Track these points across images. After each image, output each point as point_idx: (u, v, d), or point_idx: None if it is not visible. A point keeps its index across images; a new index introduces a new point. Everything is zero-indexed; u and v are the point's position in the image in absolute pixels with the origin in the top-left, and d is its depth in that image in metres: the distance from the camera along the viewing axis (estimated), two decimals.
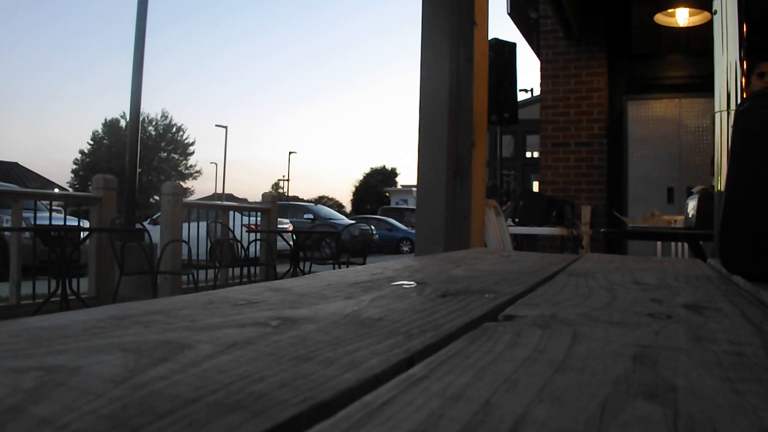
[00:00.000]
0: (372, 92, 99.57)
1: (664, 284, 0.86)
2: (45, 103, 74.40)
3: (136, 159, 7.25)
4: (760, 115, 0.88)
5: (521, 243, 5.69)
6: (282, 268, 7.72)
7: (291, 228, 10.31)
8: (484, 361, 0.37)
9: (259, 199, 8.27)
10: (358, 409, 0.27)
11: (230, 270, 7.06)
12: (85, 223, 6.08)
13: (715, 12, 2.08)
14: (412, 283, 0.77)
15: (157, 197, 32.85)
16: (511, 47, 5.66)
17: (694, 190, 3.84)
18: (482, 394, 0.30)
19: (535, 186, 11.66)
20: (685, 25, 6.02)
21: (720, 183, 2.03)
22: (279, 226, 8.67)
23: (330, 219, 18.67)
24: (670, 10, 5.98)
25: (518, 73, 5.64)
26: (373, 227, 11.05)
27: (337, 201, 55.08)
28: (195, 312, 0.51)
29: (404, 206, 29.53)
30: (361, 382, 0.32)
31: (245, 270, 7.06)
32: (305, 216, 18.60)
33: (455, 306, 0.59)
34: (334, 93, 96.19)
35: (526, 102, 13.89)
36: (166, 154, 47.29)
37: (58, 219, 6.15)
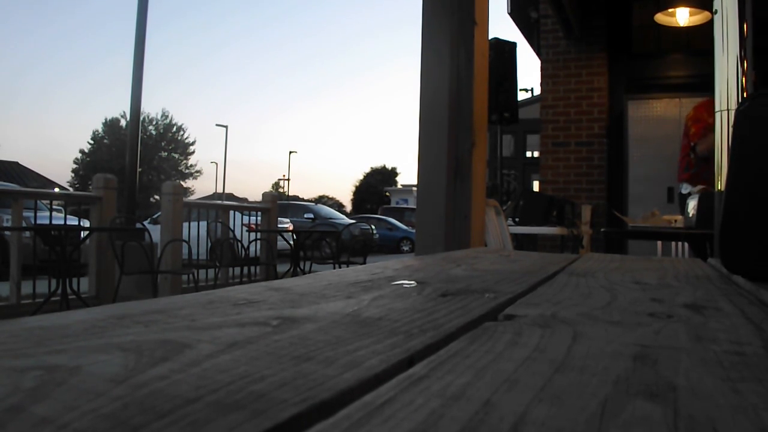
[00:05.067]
0: (372, 91, 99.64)
1: (664, 284, 0.86)
2: (45, 102, 74.45)
3: (137, 158, 7.24)
4: (760, 115, 0.88)
5: (521, 242, 5.69)
6: (282, 268, 7.72)
7: (291, 227, 10.31)
8: (485, 360, 0.37)
9: (259, 198, 8.27)
10: (359, 408, 0.27)
11: (230, 269, 7.06)
12: (86, 223, 6.08)
13: (716, 12, 2.08)
14: (412, 282, 0.77)
15: (157, 197, 32.84)
16: (512, 47, 5.66)
17: (694, 189, 3.84)
18: (482, 394, 0.30)
19: (536, 185, 11.65)
20: (686, 25, 6.01)
21: (720, 183, 2.03)
22: (279, 225, 8.67)
23: (330, 218, 18.67)
24: (670, 10, 5.97)
25: (518, 72, 5.64)
26: (373, 227, 11.05)
27: (338, 200, 55.11)
28: (195, 311, 0.51)
29: (404, 206, 29.55)
30: (362, 381, 0.32)
31: (245, 269, 7.06)
32: (305, 215, 18.61)
33: (455, 305, 0.59)
34: (335, 92, 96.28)
35: (526, 101, 13.87)
36: (166, 153, 47.30)
37: (58, 218, 6.15)
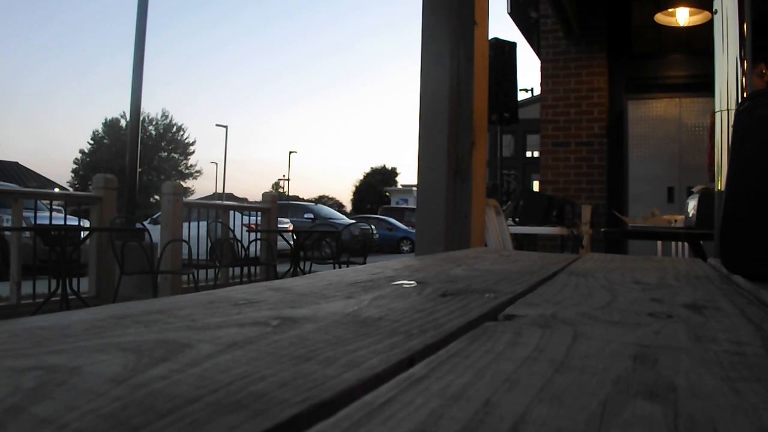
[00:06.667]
0: (372, 91, 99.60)
1: (664, 284, 0.86)
2: (45, 102, 74.42)
3: (137, 158, 7.25)
4: (760, 115, 0.88)
5: (521, 242, 5.69)
6: (282, 268, 7.72)
7: (291, 227, 10.31)
8: (485, 360, 0.37)
9: (259, 198, 8.27)
10: (359, 408, 0.27)
11: (230, 269, 7.06)
12: (86, 223, 6.08)
13: (716, 12, 2.08)
14: (412, 282, 0.77)
15: (157, 197, 32.86)
16: (512, 47, 5.66)
17: (694, 189, 3.84)
18: (482, 394, 0.30)
19: (536, 185, 11.66)
20: (686, 25, 6.01)
21: (720, 183, 2.03)
22: (279, 225, 8.67)
23: (330, 218, 18.68)
24: (670, 10, 5.97)
25: (518, 72, 5.65)
26: (373, 227, 11.05)
27: (338, 200, 55.08)
28: (195, 311, 0.51)
29: (404, 206, 29.55)
30: (362, 381, 0.32)
31: (245, 269, 7.06)
32: (305, 215, 18.61)
33: (455, 305, 0.59)
34: (334, 92, 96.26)
35: (526, 101, 13.87)
36: (166, 153, 47.29)
37: (58, 218, 6.15)
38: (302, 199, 39.83)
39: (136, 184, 7.34)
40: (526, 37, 7.50)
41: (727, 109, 2.01)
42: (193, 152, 52.97)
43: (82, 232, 5.57)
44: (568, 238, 5.95)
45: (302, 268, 7.33)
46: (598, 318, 0.55)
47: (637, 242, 5.99)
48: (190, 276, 6.05)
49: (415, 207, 2.59)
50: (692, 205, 3.04)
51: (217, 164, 62.15)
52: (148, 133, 43.86)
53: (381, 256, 13.15)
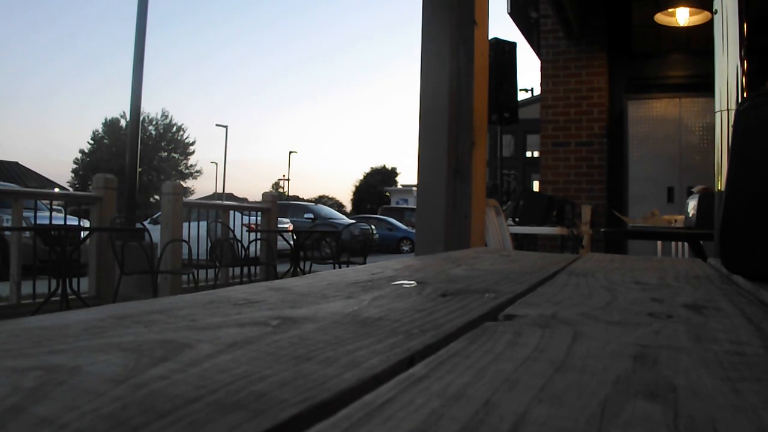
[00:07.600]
0: (372, 91, 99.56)
1: (664, 284, 0.86)
2: (45, 102, 74.34)
3: (137, 158, 7.25)
4: (760, 115, 0.88)
5: (521, 242, 5.69)
6: (282, 268, 7.72)
7: (291, 227, 10.31)
8: (485, 360, 0.37)
9: (259, 198, 8.28)
10: (359, 408, 0.27)
11: (230, 269, 7.06)
12: (86, 223, 6.09)
13: (716, 11, 2.08)
14: (412, 282, 0.77)
15: (157, 197, 32.84)
16: (512, 47, 5.66)
17: (694, 189, 3.85)
18: (482, 394, 0.30)
19: (536, 185, 11.66)
20: (686, 25, 6.01)
21: (720, 183, 2.03)
22: (279, 225, 8.67)
23: (330, 218, 18.68)
24: (670, 10, 5.97)
25: (518, 72, 5.64)
26: (373, 227, 11.06)
27: (338, 200, 55.06)
28: (195, 311, 0.51)
29: (404, 206, 29.56)
30: (362, 381, 0.32)
31: (245, 269, 7.06)
32: (305, 215, 18.62)
33: (455, 305, 0.59)
34: (335, 92, 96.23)
35: (526, 101, 13.88)
36: (166, 153, 47.29)
37: (58, 218, 6.15)
38: (302, 199, 39.86)
39: (136, 184, 7.34)
40: (526, 37, 7.50)
41: (727, 109, 2.01)
42: (193, 152, 53.00)
43: (82, 232, 5.57)
44: (568, 238, 5.95)
45: (302, 268, 7.33)
46: (598, 318, 0.54)
47: (637, 242, 6.00)
48: (190, 276, 6.05)
49: (415, 207, 2.59)
50: (692, 205, 3.04)
51: (217, 164, 62.11)
52: (148, 133, 43.86)
53: (381, 256, 13.16)
